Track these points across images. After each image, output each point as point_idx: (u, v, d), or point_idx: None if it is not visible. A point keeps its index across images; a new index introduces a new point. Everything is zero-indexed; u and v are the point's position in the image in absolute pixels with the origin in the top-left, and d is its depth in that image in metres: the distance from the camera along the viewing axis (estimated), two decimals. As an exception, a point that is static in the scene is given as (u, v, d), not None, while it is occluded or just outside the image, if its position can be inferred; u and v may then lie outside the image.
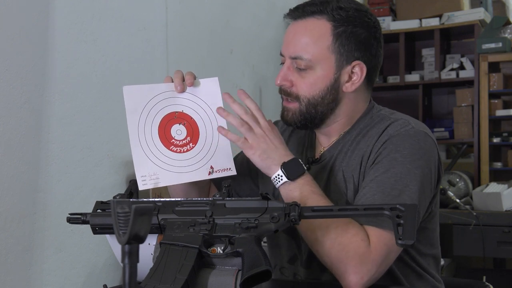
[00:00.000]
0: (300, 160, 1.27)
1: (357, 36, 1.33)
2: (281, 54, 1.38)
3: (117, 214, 0.70)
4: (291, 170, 1.25)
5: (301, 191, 1.24)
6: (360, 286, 1.18)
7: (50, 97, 1.55)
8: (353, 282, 1.18)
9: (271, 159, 1.27)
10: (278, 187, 1.27)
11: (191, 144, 1.33)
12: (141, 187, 1.27)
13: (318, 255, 1.25)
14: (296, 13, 1.36)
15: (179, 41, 2.16)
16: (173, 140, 1.32)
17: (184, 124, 1.33)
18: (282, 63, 1.38)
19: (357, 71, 1.34)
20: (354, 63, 1.34)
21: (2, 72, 1.41)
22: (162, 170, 1.29)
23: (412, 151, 1.28)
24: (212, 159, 1.32)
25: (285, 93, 1.36)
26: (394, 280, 1.34)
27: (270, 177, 1.28)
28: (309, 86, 1.33)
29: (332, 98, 1.34)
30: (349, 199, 1.33)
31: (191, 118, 1.34)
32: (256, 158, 1.28)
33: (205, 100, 1.35)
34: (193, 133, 1.33)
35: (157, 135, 1.31)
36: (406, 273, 1.36)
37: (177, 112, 1.33)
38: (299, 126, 1.38)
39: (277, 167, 1.26)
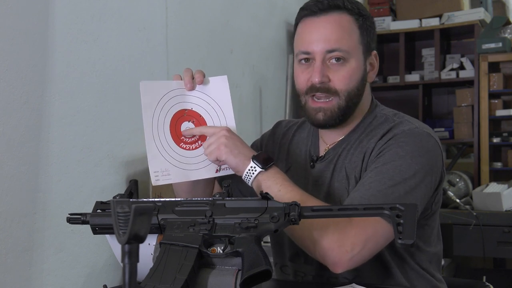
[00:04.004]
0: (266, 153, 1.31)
1: (372, 27, 1.39)
2: (306, 52, 1.35)
3: (117, 214, 0.70)
4: (263, 160, 1.28)
5: (274, 178, 1.27)
6: (346, 260, 1.18)
7: (50, 97, 1.55)
8: (338, 256, 1.17)
9: (242, 154, 1.29)
10: (252, 181, 1.29)
11: (199, 142, 1.35)
12: (154, 182, 1.29)
13: (301, 244, 1.25)
14: (317, 8, 1.35)
15: (179, 41, 2.16)
16: (183, 137, 1.33)
17: (193, 122, 1.35)
18: (304, 60, 1.36)
19: (374, 60, 1.41)
20: (373, 53, 1.40)
21: (2, 72, 1.41)
22: (172, 167, 1.31)
23: (415, 148, 1.29)
24: None
25: (325, 90, 1.34)
26: (393, 277, 1.35)
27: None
28: (347, 79, 1.34)
29: (363, 89, 1.38)
30: None
31: (200, 116, 1.36)
32: (230, 156, 1.29)
33: (214, 98, 1.36)
34: None
35: (169, 131, 1.32)
36: (405, 270, 1.36)
37: (186, 109, 1.35)
38: (332, 124, 1.37)
39: (249, 160, 1.28)
